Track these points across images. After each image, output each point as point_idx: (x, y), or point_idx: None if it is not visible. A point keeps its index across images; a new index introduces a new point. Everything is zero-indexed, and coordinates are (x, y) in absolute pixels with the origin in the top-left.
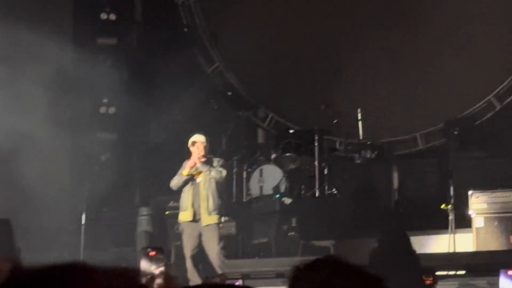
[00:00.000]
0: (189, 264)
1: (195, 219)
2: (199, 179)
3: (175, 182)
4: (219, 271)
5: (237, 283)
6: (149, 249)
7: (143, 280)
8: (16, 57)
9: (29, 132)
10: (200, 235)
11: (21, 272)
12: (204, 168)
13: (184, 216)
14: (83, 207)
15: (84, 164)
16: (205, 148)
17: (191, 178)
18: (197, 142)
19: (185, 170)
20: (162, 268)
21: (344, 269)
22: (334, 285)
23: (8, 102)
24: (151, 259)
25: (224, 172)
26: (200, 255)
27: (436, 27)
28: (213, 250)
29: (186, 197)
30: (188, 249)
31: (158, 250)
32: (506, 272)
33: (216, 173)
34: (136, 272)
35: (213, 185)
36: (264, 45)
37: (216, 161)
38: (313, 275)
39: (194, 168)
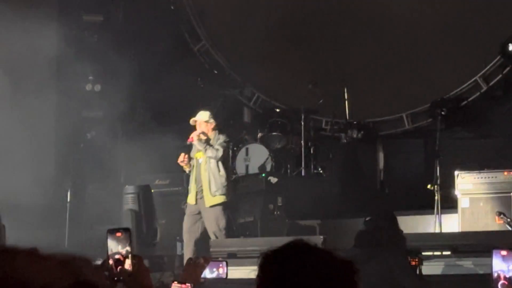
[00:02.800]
0: (185, 239)
1: (197, 201)
2: (201, 159)
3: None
4: None
5: (220, 265)
6: (115, 230)
7: (110, 261)
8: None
9: (14, 108)
10: (199, 214)
11: None
12: (200, 147)
13: (189, 199)
14: (68, 184)
15: (69, 142)
16: (207, 125)
17: (195, 159)
18: (198, 120)
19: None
20: (128, 248)
21: (312, 254)
22: (302, 271)
23: None
24: (118, 239)
25: (220, 151)
26: (199, 234)
27: (424, 7)
28: (211, 231)
29: (191, 179)
30: (185, 226)
31: (125, 230)
32: (499, 252)
33: (211, 152)
34: (83, 262)
35: (213, 164)
36: (251, 23)
37: (217, 139)
38: (282, 261)
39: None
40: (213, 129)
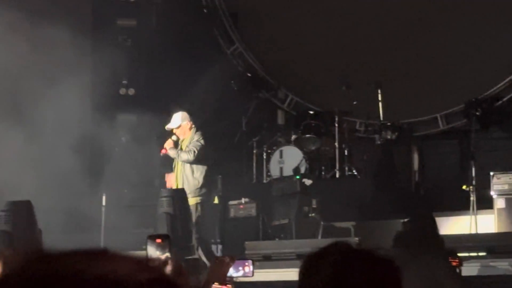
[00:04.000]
0: None
1: None
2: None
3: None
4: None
5: (246, 263)
6: (155, 236)
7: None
8: (37, 39)
9: (49, 111)
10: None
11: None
12: (172, 153)
13: None
14: (103, 188)
15: (104, 146)
16: (182, 128)
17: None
18: (172, 128)
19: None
20: (168, 254)
21: (355, 255)
22: (345, 274)
23: (31, 83)
24: (158, 245)
25: (192, 153)
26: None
27: (458, 8)
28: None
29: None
30: None
31: (164, 237)
32: None
33: (184, 156)
34: (162, 264)
35: (187, 168)
36: (284, 26)
37: (191, 139)
38: (324, 265)
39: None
40: (190, 129)
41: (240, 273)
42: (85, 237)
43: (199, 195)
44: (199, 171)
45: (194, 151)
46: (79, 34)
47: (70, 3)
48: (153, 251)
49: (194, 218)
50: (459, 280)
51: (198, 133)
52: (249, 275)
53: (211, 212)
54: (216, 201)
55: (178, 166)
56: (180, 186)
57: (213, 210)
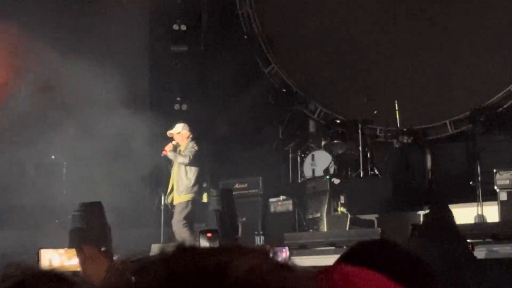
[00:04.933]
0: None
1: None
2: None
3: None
4: (179, 239)
5: (283, 250)
6: (206, 231)
7: None
8: (102, 65)
9: (121, 131)
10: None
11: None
12: (171, 156)
13: (169, 198)
14: (163, 189)
15: (162, 157)
16: (181, 135)
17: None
18: (173, 133)
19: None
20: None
21: (396, 251)
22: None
23: (95, 102)
24: (209, 239)
25: (187, 157)
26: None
27: (464, 24)
28: (175, 221)
29: (170, 181)
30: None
31: (213, 231)
32: None
33: (181, 159)
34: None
35: (182, 169)
36: (313, 47)
37: (187, 146)
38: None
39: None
40: (187, 137)
41: (279, 258)
42: (147, 232)
43: (190, 193)
44: (192, 172)
45: (189, 156)
46: (139, 60)
47: (131, 32)
48: (204, 243)
49: (184, 213)
50: (475, 262)
51: (193, 141)
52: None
53: (253, 208)
54: (204, 199)
55: (175, 166)
56: (175, 185)
57: (255, 206)
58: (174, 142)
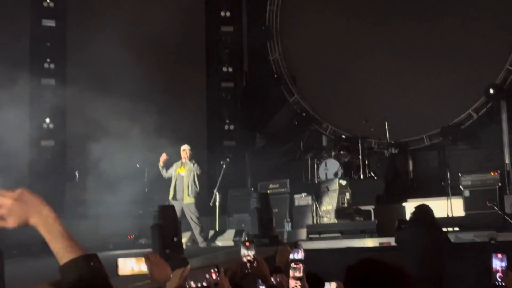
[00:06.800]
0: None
1: (176, 199)
2: (183, 173)
3: (166, 174)
4: (199, 237)
5: (300, 250)
6: (245, 241)
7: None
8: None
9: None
10: (182, 209)
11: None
12: (190, 165)
13: (170, 198)
14: (216, 189)
15: (216, 163)
16: (190, 153)
17: (176, 173)
18: (185, 149)
19: (177, 166)
20: (254, 252)
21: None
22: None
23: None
24: (247, 247)
25: (200, 170)
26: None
27: (427, 55)
28: (189, 217)
29: (172, 186)
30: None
31: (251, 241)
32: (497, 255)
33: (197, 168)
34: None
35: (192, 177)
36: (325, 83)
37: (190, 162)
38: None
39: (179, 164)
40: (190, 156)
41: (296, 255)
42: (207, 221)
43: (195, 197)
44: (198, 181)
45: (200, 169)
46: (199, 96)
47: (190, 76)
48: (245, 251)
49: (191, 214)
50: (451, 244)
51: (193, 160)
52: (301, 257)
53: (283, 202)
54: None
55: (185, 177)
56: (185, 191)
57: (284, 200)
58: (167, 154)
